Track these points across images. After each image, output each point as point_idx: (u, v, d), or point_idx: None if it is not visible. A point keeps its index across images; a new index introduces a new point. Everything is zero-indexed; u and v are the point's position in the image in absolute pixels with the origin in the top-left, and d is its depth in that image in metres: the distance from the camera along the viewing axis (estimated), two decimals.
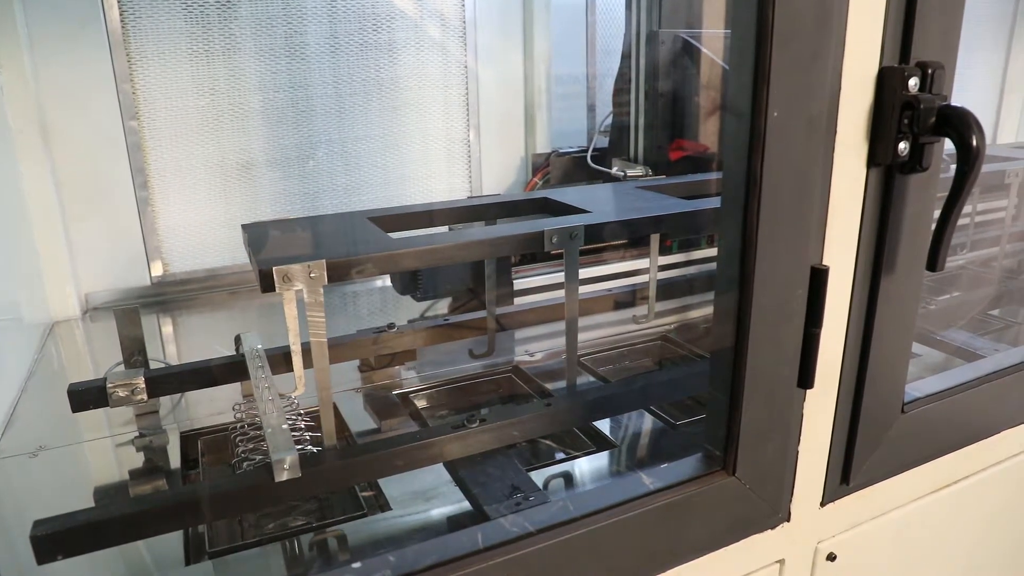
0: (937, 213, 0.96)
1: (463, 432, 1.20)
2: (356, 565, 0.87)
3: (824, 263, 0.94)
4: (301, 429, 1.21)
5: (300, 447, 1.11)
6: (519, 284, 1.96)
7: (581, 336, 1.83)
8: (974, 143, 0.87)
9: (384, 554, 0.87)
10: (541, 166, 2.77)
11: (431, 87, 2.57)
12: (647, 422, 1.49)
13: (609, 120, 2.68)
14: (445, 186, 2.68)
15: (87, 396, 1.34)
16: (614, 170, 2.52)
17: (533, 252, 1.30)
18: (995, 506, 1.44)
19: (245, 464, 1.18)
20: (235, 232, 1.36)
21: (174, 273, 2.32)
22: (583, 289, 1.93)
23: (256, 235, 1.26)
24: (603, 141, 2.72)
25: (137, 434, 1.45)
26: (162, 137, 2.22)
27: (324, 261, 1.07)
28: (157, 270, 2.30)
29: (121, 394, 1.35)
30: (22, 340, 1.93)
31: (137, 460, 1.40)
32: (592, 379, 1.68)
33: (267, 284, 1.04)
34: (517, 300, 1.89)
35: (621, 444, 1.44)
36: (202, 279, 2.34)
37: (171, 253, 2.31)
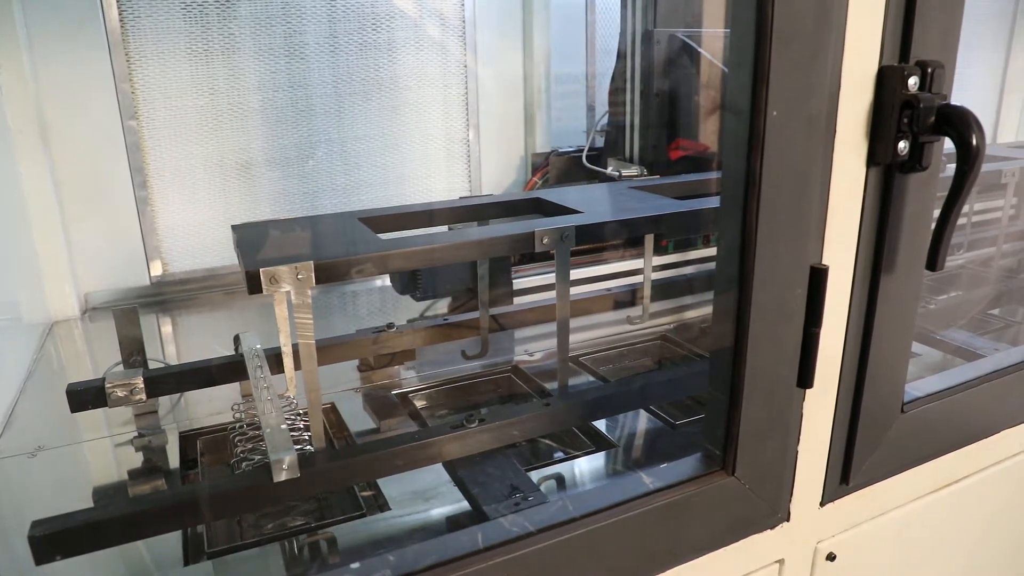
0: (937, 212, 0.96)
1: (462, 432, 1.20)
2: (355, 565, 0.87)
3: (824, 262, 0.94)
4: (300, 429, 1.21)
5: (299, 447, 1.11)
6: (520, 284, 1.96)
7: (582, 336, 1.84)
8: (974, 142, 0.87)
9: (383, 554, 0.87)
10: (540, 166, 2.77)
11: (431, 86, 2.57)
12: (646, 422, 1.49)
13: (605, 120, 2.68)
14: (444, 186, 2.68)
15: (86, 396, 1.34)
16: (609, 170, 2.52)
17: (527, 253, 1.29)
18: (995, 506, 1.44)
19: (244, 464, 1.18)
20: None
21: (173, 273, 2.32)
22: (583, 289, 1.93)
23: (245, 236, 1.25)
24: (600, 141, 2.71)
25: (136, 434, 1.45)
26: (161, 137, 2.21)
27: (312, 263, 1.06)
28: (156, 270, 2.29)
29: (120, 394, 1.35)
30: (21, 340, 1.92)
31: (136, 460, 1.40)
32: (591, 378, 1.68)
33: (254, 286, 1.03)
34: (517, 300, 1.89)
35: (620, 444, 1.43)
36: (201, 279, 2.34)
37: (170, 253, 2.31)
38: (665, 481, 1.00)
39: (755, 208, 0.87)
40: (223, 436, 1.41)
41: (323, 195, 2.47)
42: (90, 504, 1.24)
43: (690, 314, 1.92)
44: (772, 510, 1.06)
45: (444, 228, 1.58)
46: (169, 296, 2.30)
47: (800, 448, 1.04)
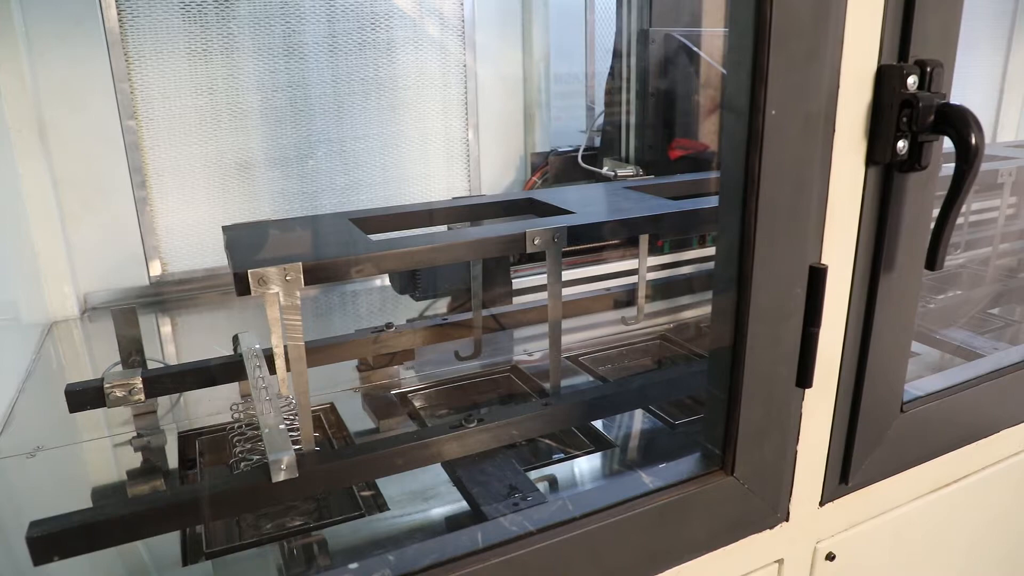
0: (936, 212, 0.96)
1: (461, 432, 1.20)
2: (353, 565, 0.87)
3: (823, 262, 0.93)
4: (299, 429, 1.20)
5: (297, 447, 1.11)
6: (520, 283, 1.95)
7: (581, 336, 1.84)
8: (973, 141, 0.87)
9: (382, 554, 0.87)
10: (540, 165, 2.77)
11: (430, 86, 2.57)
12: (645, 422, 1.49)
13: (601, 119, 2.67)
14: (444, 185, 2.68)
15: (84, 396, 1.34)
16: (604, 170, 2.52)
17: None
18: (995, 506, 1.44)
19: (243, 464, 1.18)
20: None
21: (172, 273, 2.32)
22: (581, 289, 1.93)
23: (235, 237, 1.25)
24: (597, 140, 2.71)
25: (135, 434, 1.45)
26: (160, 136, 2.21)
27: (300, 264, 1.05)
28: (155, 270, 2.29)
29: (118, 394, 1.35)
30: (20, 340, 1.92)
31: (135, 460, 1.40)
32: (590, 378, 1.68)
33: (242, 287, 1.02)
34: (516, 299, 1.89)
35: (619, 444, 1.43)
36: (200, 279, 2.33)
37: (169, 253, 2.31)
38: (664, 481, 1.00)
39: (754, 207, 0.87)
40: (222, 436, 1.41)
41: (322, 195, 2.47)
42: (89, 504, 1.24)
43: (685, 314, 1.92)
44: (771, 510, 1.06)
45: (437, 229, 1.57)
46: (168, 296, 2.30)
47: (799, 448, 1.04)
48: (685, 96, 2.42)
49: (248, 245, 1.20)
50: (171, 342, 2.10)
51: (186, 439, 1.45)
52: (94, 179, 2.16)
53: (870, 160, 0.93)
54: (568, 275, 2.07)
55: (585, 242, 1.49)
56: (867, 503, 1.19)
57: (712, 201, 1.48)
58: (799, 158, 0.88)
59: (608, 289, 1.87)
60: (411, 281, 1.83)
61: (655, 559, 0.99)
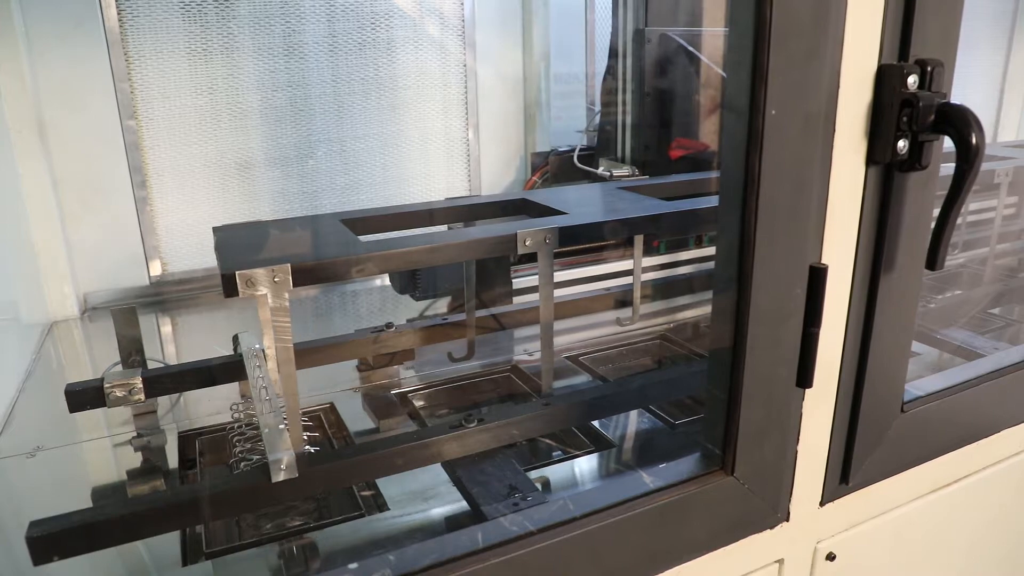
0: (936, 211, 0.96)
1: (461, 432, 1.20)
2: (353, 565, 0.87)
3: (823, 262, 0.93)
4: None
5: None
6: (520, 283, 1.95)
7: (580, 336, 1.83)
8: (974, 141, 0.86)
9: (382, 554, 0.87)
10: (540, 165, 2.76)
11: (430, 86, 2.57)
12: (645, 421, 1.49)
13: (597, 119, 2.67)
14: (444, 185, 2.68)
15: (84, 396, 1.34)
16: (600, 170, 2.51)
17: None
18: (995, 506, 1.44)
19: (243, 464, 1.18)
20: None
21: (172, 273, 2.31)
22: (578, 289, 1.93)
23: (225, 238, 1.24)
24: (595, 140, 2.71)
25: (135, 434, 1.45)
26: (160, 136, 2.21)
27: (289, 265, 1.04)
28: (156, 270, 2.29)
29: (118, 394, 1.35)
30: (20, 340, 1.92)
31: (135, 460, 1.40)
32: (590, 378, 1.68)
33: (230, 288, 1.01)
34: (517, 299, 1.89)
35: (619, 444, 1.43)
36: (201, 278, 2.33)
37: (169, 253, 2.31)
38: (664, 481, 1.00)
39: (754, 207, 0.86)
40: (222, 436, 1.41)
41: (322, 195, 2.47)
42: (89, 504, 1.24)
43: (682, 315, 1.91)
44: (772, 510, 1.06)
45: (432, 230, 1.56)
46: (168, 296, 2.30)
47: (800, 448, 1.04)
48: (682, 96, 2.42)
49: (238, 246, 1.20)
50: (171, 342, 2.10)
51: (186, 439, 1.45)
52: (94, 179, 2.16)
53: (870, 160, 0.93)
54: (568, 275, 2.07)
55: (577, 243, 1.48)
56: (867, 503, 1.19)
57: (706, 201, 1.48)
58: (799, 158, 0.88)
59: (608, 289, 1.87)
60: (411, 281, 1.83)
61: (655, 559, 0.99)
